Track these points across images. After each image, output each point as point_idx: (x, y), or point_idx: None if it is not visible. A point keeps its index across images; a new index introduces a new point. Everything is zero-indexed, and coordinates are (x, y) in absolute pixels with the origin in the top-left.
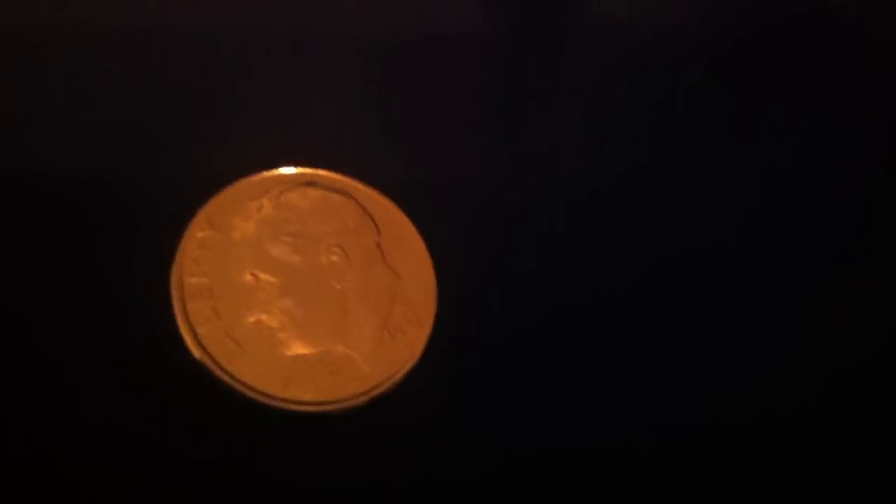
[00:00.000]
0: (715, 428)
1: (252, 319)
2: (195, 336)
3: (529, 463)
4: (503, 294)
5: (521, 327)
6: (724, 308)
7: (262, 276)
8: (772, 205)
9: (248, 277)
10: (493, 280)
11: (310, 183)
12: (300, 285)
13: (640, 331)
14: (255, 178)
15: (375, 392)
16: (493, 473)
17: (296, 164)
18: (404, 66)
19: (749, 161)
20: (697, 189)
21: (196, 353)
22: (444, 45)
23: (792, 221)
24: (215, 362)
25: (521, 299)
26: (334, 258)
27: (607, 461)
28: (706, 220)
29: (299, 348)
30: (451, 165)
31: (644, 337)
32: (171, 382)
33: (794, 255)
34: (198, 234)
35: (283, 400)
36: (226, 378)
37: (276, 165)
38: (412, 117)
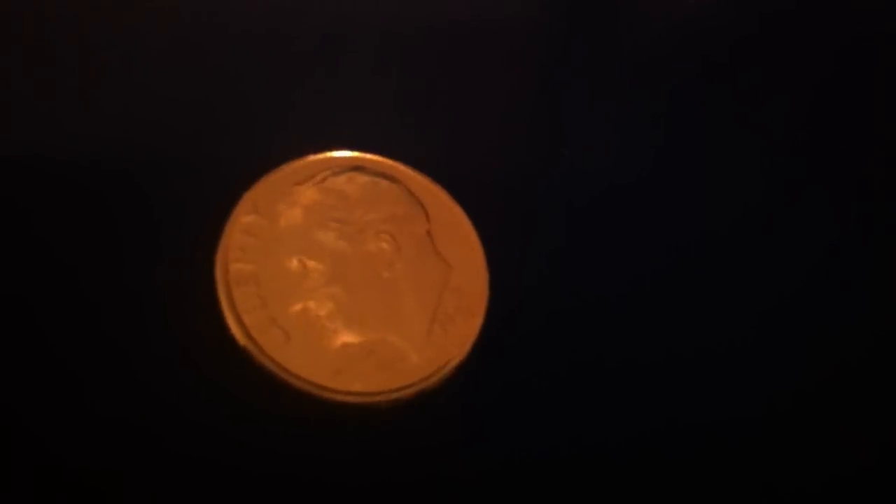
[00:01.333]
0: (720, 429)
1: (299, 307)
2: (241, 323)
3: (588, 456)
4: (556, 284)
5: (575, 318)
6: (729, 308)
7: (310, 262)
8: (774, 206)
9: (295, 264)
10: (546, 269)
11: (357, 168)
12: (348, 273)
13: (682, 325)
14: (301, 162)
15: (425, 384)
16: (547, 466)
17: (342, 149)
18: (454, 54)
19: (751, 161)
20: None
21: (242, 340)
22: (494, 34)
23: (795, 222)
24: (261, 350)
25: (576, 289)
26: (384, 245)
27: (653, 457)
28: (720, 218)
29: (347, 337)
30: (502, 153)
31: (691, 330)
32: (215, 371)
33: (797, 255)
34: (243, 220)
35: (331, 390)
36: (272, 367)
37: (323, 150)
38: (461, 104)
